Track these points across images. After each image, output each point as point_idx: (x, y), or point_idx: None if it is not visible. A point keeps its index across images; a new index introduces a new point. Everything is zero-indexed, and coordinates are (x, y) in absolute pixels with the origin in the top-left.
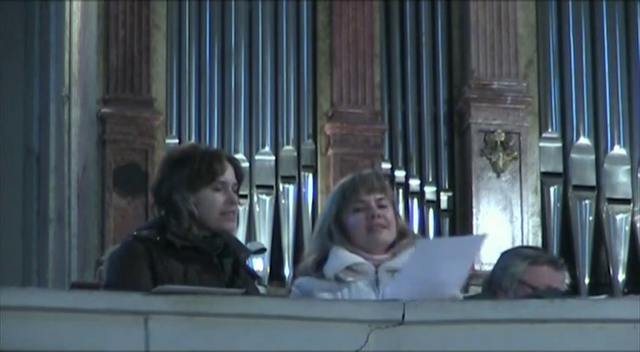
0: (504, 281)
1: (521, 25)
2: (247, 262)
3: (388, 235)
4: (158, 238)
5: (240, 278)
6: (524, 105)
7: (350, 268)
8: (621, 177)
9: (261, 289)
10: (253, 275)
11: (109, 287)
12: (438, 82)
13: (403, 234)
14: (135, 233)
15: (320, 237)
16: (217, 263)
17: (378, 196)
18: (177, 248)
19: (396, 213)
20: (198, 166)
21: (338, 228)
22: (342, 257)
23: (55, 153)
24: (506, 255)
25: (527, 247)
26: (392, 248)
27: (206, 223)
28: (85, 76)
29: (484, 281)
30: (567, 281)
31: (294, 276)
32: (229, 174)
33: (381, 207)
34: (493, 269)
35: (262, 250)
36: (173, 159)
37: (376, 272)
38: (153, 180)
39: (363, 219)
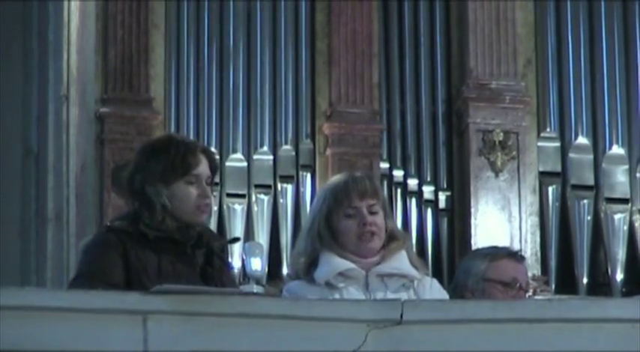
0: (469, 282)
1: (519, 25)
2: (225, 253)
3: (378, 242)
4: (131, 229)
5: (214, 269)
6: (522, 104)
7: (341, 273)
8: (620, 176)
9: (260, 289)
10: (227, 264)
11: (79, 278)
12: (437, 81)
13: (393, 236)
14: (108, 224)
15: (309, 237)
16: (190, 253)
17: (370, 202)
18: (151, 239)
19: (387, 215)
20: (172, 159)
21: (328, 230)
22: (334, 263)
23: (53, 153)
24: (465, 259)
25: (485, 247)
26: (382, 249)
27: (179, 216)
28: (83, 75)
29: (450, 288)
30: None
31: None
32: (203, 167)
33: (372, 213)
34: (456, 274)
35: (235, 239)
36: (147, 151)
37: (366, 277)
38: (127, 170)
39: (354, 226)
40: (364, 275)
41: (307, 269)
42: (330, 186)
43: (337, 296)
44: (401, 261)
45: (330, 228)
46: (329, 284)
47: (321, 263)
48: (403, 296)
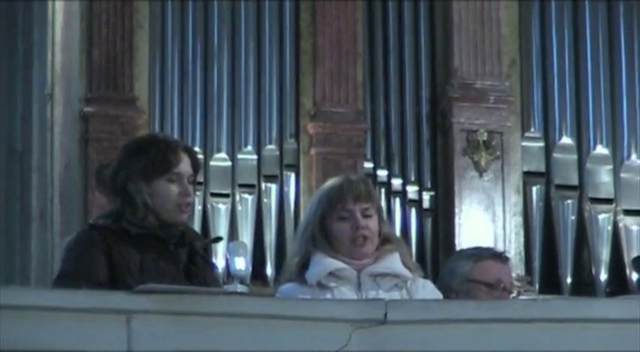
0: (454, 283)
1: (504, 25)
2: (208, 253)
3: (371, 246)
4: (114, 226)
5: (198, 267)
6: (506, 104)
7: (332, 274)
8: (604, 176)
9: (244, 288)
10: (210, 264)
11: (63, 277)
12: (421, 81)
13: (387, 240)
14: (91, 222)
15: (303, 239)
16: (173, 251)
17: (365, 206)
18: (133, 235)
19: (381, 219)
20: (154, 157)
21: (321, 233)
22: (324, 263)
23: (37, 152)
24: (451, 259)
25: (470, 248)
26: (375, 252)
27: (160, 214)
28: (68, 74)
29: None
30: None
31: (276, 279)
32: (185, 165)
33: (366, 216)
34: (441, 275)
35: (218, 239)
36: (130, 149)
37: (358, 277)
38: (110, 168)
39: (348, 229)
40: (356, 275)
41: (299, 271)
42: (325, 189)
43: (329, 296)
44: (393, 261)
45: (324, 231)
46: (321, 285)
47: (313, 263)
48: (395, 295)
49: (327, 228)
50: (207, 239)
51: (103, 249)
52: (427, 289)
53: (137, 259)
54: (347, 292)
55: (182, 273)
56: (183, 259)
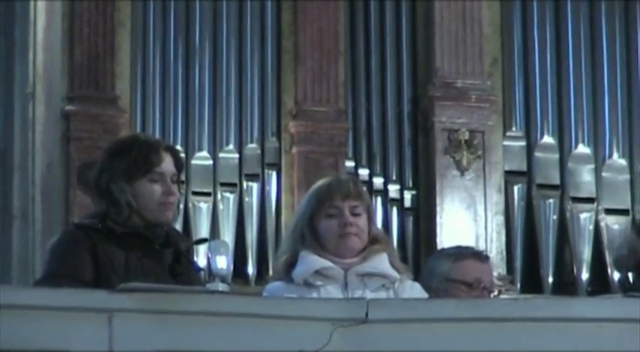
0: (433, 283)
1: (486, 24)
2: (191, 253)
3: (359, 243)
4: (99, 225)
5: (182, 266)
6: (488, 103)
7: (319, 272)
8: (585, 176)
9: (225, 287)
10: (195, 266)
11: (48, 277)
12: (403, 80)
13: (376, 240)
14: (76, 222)
15: (292, 238)
16: (159, 250)
17: (353, 203)
18: (118, 234)
19: (371, 220)
20: (135, 157)
21: (310, 231)
22: (311, 261)
23: (19, 151)
24: (431, 258)
25: (450, 247)
26: (362, 252)
27: (144, 214)
28: (49, 73)
29: None
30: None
31: (259, 275)
32: (167, 165)
33: (355, 214)
34: (421, 275)
35: (203, 240)
36: (112, 150)
37: (345, 276)
38: (94, 170)
39: (335, 226)
40: (343, 274)
41: (287, 270)
42: (315, 188)
43: (315, 295)
44: (380, 262)
45: (313, 229)
46: (307, 283)
47: (300, 262)
48: (382, 296)
49: (316, 226)
50: (192, 240)
51: (88, 247)
52: (414, 291)
53: (122, 258)
54: (333, 291)
55: (167, 272)
56: (168, 259)
